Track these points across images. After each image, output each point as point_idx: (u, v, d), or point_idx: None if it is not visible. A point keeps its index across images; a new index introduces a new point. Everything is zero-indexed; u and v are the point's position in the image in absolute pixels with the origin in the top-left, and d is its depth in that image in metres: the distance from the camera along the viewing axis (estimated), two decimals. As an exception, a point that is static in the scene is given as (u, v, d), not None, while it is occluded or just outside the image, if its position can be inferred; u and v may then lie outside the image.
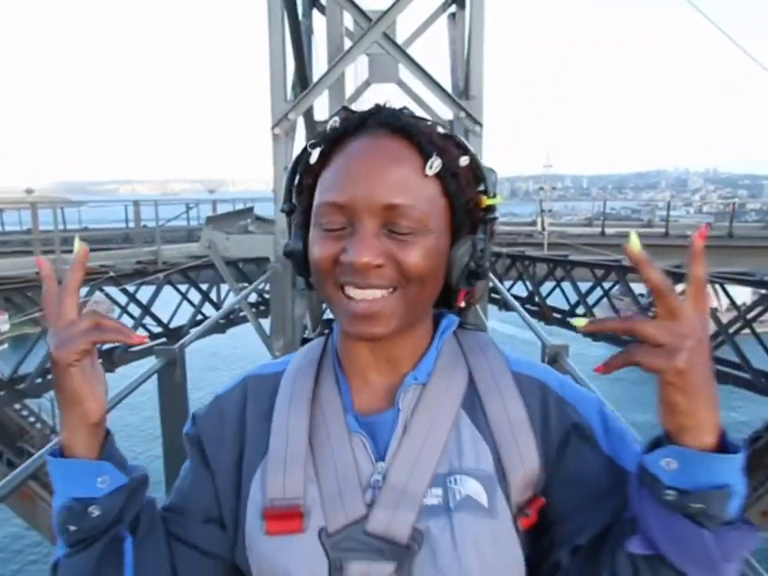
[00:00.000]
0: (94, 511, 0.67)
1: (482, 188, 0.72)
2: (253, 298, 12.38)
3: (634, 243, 0.57)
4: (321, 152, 0.70)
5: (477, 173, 0.72)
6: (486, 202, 0.72)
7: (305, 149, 0.72)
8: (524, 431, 0.72)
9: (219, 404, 0.81)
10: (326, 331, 0.83)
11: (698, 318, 0.58)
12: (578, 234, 18.28)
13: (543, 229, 17.39)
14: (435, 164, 0.67)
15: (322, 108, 5.77)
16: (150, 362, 2.18)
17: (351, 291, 0.67)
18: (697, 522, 0.58)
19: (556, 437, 0.72)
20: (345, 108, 0.73)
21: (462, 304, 0.79)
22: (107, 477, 0.68)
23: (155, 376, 2.07)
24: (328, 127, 0.71)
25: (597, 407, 0.75)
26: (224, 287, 14.27)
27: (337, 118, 0.71)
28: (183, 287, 14.11)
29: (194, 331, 2.45)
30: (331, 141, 0.70)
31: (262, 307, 13.14)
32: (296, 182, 0.75)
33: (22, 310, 11.66)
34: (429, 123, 0.71)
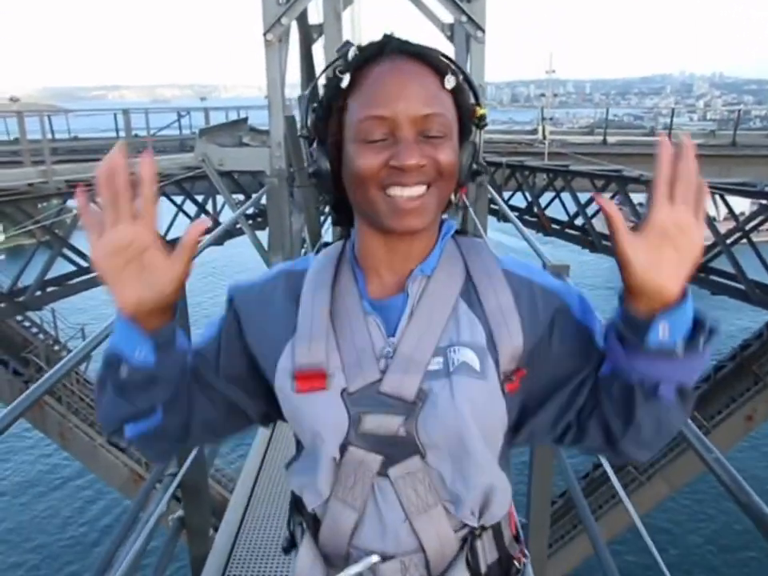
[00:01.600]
0: (124, 371, 0.81)
1: (474, 101, 0.88)
2: (250, 209, 12.26)
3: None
4: (351, 76, 0.81)
5: (471, 88, 0.88)
6: (479, 112, 0.89)
7: (330, 75, 0.84)
8: (512, 315, 0.87)
9: (261, 289, 0.94)
10: (346, 236, 0.97)
11: None
12: (579, 142, 17.89)
13: (544, 138, 17.00)
14: (451, 80, 0.82)
15: (316, 11, 5.49)
16: None
17: (396, 191, 0.80)
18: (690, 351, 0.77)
19: (545, 320, 0.88)
20: (348, 42, 0.84)
21: (462, 201, 0.93)
22: (142, 351, 0.81)
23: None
24: (350, 55, 0.82)
25: (576, 292, 0.92)
26: (220, 198, 14.10)
27: (354, 48, 0.83)
28: (178, 199, 13.93)
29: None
30: (356, 67, 0.82)
31: (259, 219, 13.05)
32: (323, 106, 0.85)
33: (15, 222, 11.54)
34: (433, 48, 0.84)
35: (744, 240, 10.83)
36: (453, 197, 0.91)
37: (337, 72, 0.83)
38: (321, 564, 0.91)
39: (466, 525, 0.88)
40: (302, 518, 0.93)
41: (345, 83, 0.81)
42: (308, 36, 5.76)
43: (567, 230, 13.82)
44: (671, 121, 18.99)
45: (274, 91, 4.64)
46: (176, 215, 14.08)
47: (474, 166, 0.90)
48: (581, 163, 13.87)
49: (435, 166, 0.81)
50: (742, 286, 10.60)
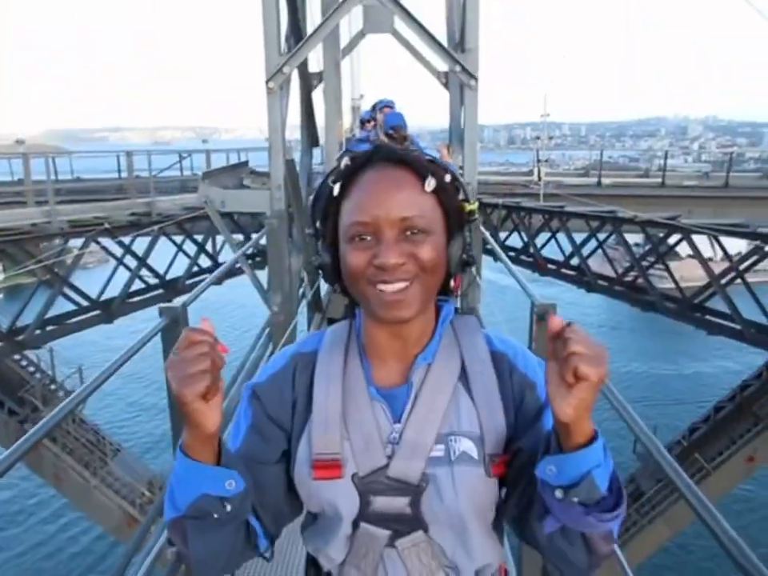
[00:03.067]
0: (228, 506, 0.87)
1: (462, 197, 0.96)
2: (249, 249, 12.37)
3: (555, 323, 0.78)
4: (341, 186, 0.93)
5: (457, 185, 0.96)
6: (468, 207, 0.97)
7: (326, 184, 0.96)
8: (495, 402, 0.96)
9: (277, 380, 1.02)
10: (351, 316, 1.06)
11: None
12: (574, 184, 18.18)
13: (539, 179, 17.29)
14: (431, 183, 0.91)
15: (316, 59, 5.70)
16: (144, 314, 2.25)
17: (382, 287, 0.90)
18: (583, 505, 0.81)
19: (514, 399, 0.97)
20: (348, 151, 0.96)
21: (458, 289, 1.03)
22: (233, 482, 0.87)
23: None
24: (342, 165, 0.94)
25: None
26: (219, 238, 14.25)
27: (347, 158, 0.94)
28: (178, 239, 14.04)
29: (195, 289, 2.51)
30: (346, 176, 0.93)
31: (257, 258, 13.15)
32: (321, 210, 0.97)
33: (17, 262, 11.64)
34: (418, 152, 0.94)
35: (739, 280, 10.94)
36: (452, 283, 1.00)
37: (330, 181, 0.95)
38: None
39: None
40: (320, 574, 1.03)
41: (335, 192, 0.94)
42: (308, 83, 5.95)
43: (563, 270, 13.94)
44: (665, 164, 19.35)
45: (274, 136, 4.81)
46: (176, 255, 14.19)
47: (464, 257, 0.98)
48: (576, 204, 14.07)
49: (416, 262, 0.90)
50: (737, 326, 10.68)
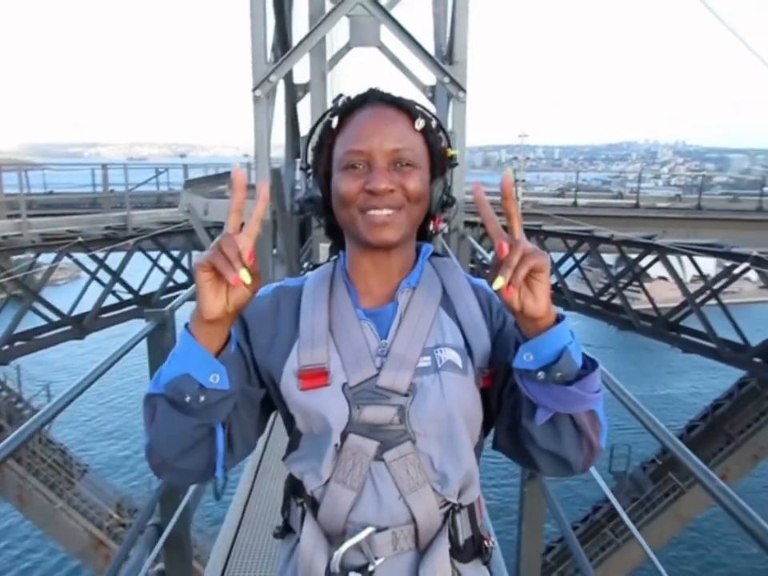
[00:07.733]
0: (202, 396, 0.86)
1: (445, 143, 1.05)
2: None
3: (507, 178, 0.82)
4: (339, 119, 1.01)
5: (442, 132, 1.05)
6: (450, 152, 1.05)
7: (324, 119, 1.03)
8: (480, 322, 1.03)
9: (264, 303, 1.04)
10: (335, 257, 1.11)
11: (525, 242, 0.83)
12: (550, 204, 18.37)
13: (517, 198, 17.46)
14: (420, 122, 1.00)
15: (302, 70, 5.68)
16: (114, 330, 2.15)
17: (372, 212, 0.96)
18: (564, 383, 0.85)
19: (497, 325, 1.03)
20: (341, 94, 1.04)
21: (437, 230, 1.10)
22: (218, 376, 0.87)
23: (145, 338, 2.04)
24: (340, 103, 1.02)
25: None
26: (195, 254, 14.11)
27: (344, 97, 1.03)
28: (154, 254, 13.89)
29: (182, 294, 2.42)
30: (344, 112, 1.01)
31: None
32: (318, 142, 1.04)
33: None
34: (409, 99, 1.04)
35: (713, 300, 11.09)
36: (431, 227, 1.08)
37: (328, 116, 1.02)
38: (323, 540, 1.00)
39: (448, 502, 1.01)
40: (303, 499, 1.03)
41: (334, 125, 1.01)
42: (293, 93, 5.93)
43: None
44: (638, 186, 19.71)
45: (260, 145, 4.76)
46: (151, 270, 14.02)
47: (445, 198, 1.05)
48: (553, 223, 14.22)
49: (403, 192, 0.97)
50: (712, 345, 10.83)
